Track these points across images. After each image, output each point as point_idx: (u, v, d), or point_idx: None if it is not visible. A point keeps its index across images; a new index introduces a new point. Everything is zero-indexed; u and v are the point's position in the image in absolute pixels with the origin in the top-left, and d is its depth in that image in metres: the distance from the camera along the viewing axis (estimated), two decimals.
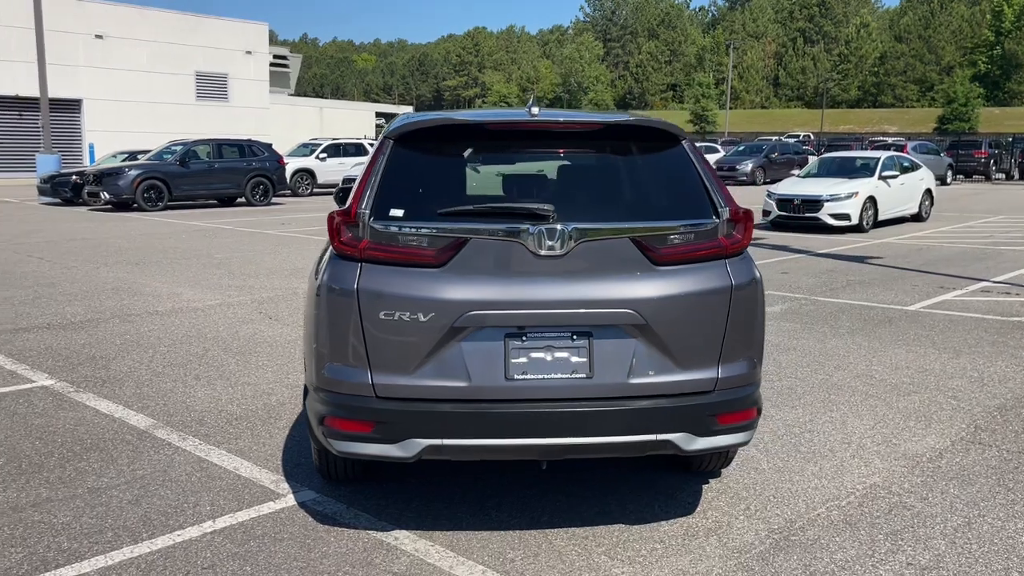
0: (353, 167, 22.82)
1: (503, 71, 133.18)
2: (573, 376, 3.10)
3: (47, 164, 24.01)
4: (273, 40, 53.55)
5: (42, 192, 22.30)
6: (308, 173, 25.76)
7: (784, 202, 15.95)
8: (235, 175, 21.45)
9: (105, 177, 19.92)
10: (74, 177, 21.41)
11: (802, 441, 4.56)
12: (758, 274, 3.40)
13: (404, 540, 3.39)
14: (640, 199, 3.41)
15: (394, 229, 3.12)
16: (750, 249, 3.46)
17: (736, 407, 3.28)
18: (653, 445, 3.18)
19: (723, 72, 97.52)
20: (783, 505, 3.74)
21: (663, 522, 3.56)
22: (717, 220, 3.28)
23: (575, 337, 3.12)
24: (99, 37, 34.89)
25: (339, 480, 3.86)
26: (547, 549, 3.33)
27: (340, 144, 27.49)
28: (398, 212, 3.14)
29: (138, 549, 3.29)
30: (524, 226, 3.09)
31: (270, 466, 4.15)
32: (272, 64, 43.52)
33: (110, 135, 33.17)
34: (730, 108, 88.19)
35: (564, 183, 3.54)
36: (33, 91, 27.63)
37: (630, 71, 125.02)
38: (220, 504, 3.70)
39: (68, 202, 21.51)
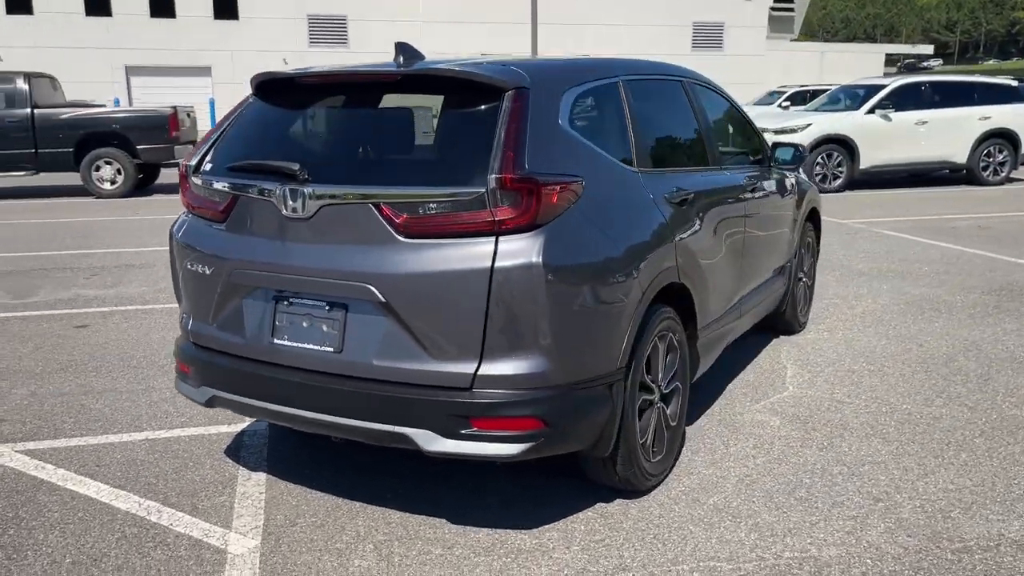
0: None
1: None
2: (323, 348, 2.91)
3: None
4: None
5: None
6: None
7: None
8: None
9: None
10: None
11: None
12: (555, 257, 2.72)
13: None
14: (412, 160, 2.95)
15: (198, 183, 3.23)
16: None
17: (499, 412, 2.72)
18: (391, 437, 2.83)
19: None
20: None
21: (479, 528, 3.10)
22: (482, 189, 2.70)
23: (329, 308, 2.91)
24: None
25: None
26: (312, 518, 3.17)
27: (810, 91, 25.81)
28: (208, 166, 3.24)
29: None
30: (274, 185, 2.94)
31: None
32: (773, 8, 42.20)
33: None
34: None
35: (355, 140, 3.15)
36: (546, 50, 31.22)
37: None
38: None
39: None
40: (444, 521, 3.19)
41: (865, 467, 3.62)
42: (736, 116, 4.79)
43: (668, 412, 3.53)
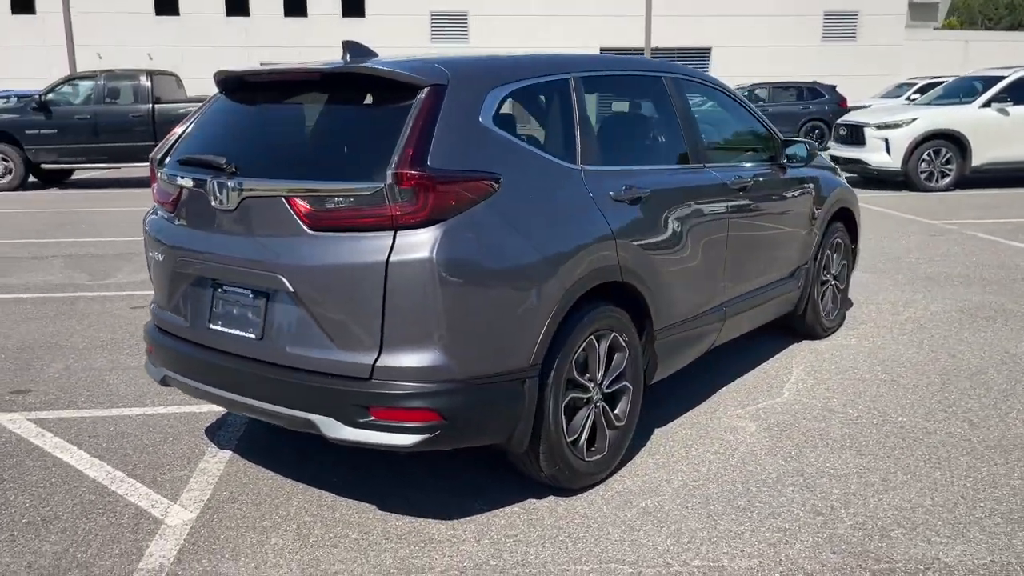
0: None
1: None
2: (247, 335, 3.07)
3: None
4: None
5: None
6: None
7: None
8: (788, 119, 21.03)
9: None
10: None
11: None
12: (450, 253, 2.76)
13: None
14: (325, 155, 3.01)
15: (160, 175, 3.45)
16: None
17: (396, 403, 2.80)
18: (300, 423, 2.95)
19: None
20: None
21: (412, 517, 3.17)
22: (382, 185, 2.77)
23: (253, 296, 3.06)
24: None
25: None
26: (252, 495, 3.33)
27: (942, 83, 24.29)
28: (168, 160, 3.45)
29: None
30: (207, 178, 3.11)
31: None
32: None
33: (734, 81, 34.86)
34: None
35: (279, 136, 3.23)
36: (672, 42, 30.87)
37: None
38: None
39: None
40: (374, 508, 3.29)
41: (823, 479, 3.47)
42: (739, 114, 4.65)
43: (616, 411, 3.50)
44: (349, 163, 2.89)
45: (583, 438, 3.33)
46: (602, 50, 37.31)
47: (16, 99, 14.76)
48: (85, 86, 14.65)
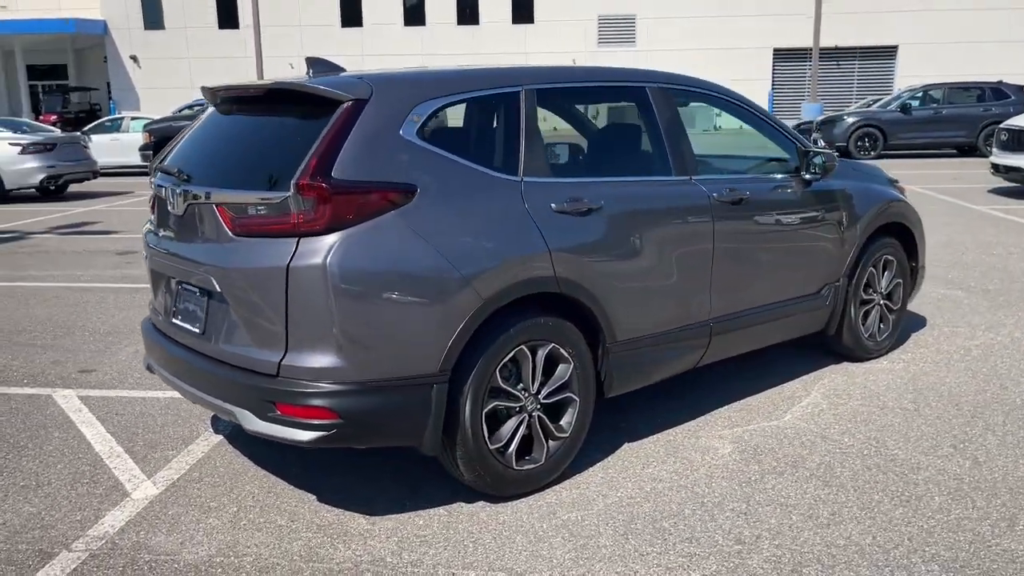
0: None
1: None
2: (194, 328, 3.37)
3: (809, 112, 25.58)
4: None
5: None
6: None
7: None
8: (966, 123, 19.44)
9: (824, 124, 20.56)
10: (804, 124, 22.55)
11: None
12: (347, 260, 2.90)
13: None
14: (252, 166, 3.19)
15: (149, 182, 3.83)
16: None
17: (297, 400, 2.98)
18: (227, 413, 3.20)
19: None
20: None
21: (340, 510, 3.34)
22: (287, 195, 2.95)
23: (199, 294, 3.35)
24: None
25: None
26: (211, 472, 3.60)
27: None
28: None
29: None
30: (167, 185, 3.43)
31: None
32: None
33: (923, 81, 32.54)
34: None
35: (223, 147, 3.41)
36: (852, 40, 29.31)
37: None
38: None
39: None
40: (313, 499, 3.49)
41: (767, 508, 3.32)
42: (755, 124, 4.47)
43: (561, 422, 3.51)
44: (268, 174, 3.09)
45: (512, 447, 3.36)
46: (775, 51, 35.95)
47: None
48: None
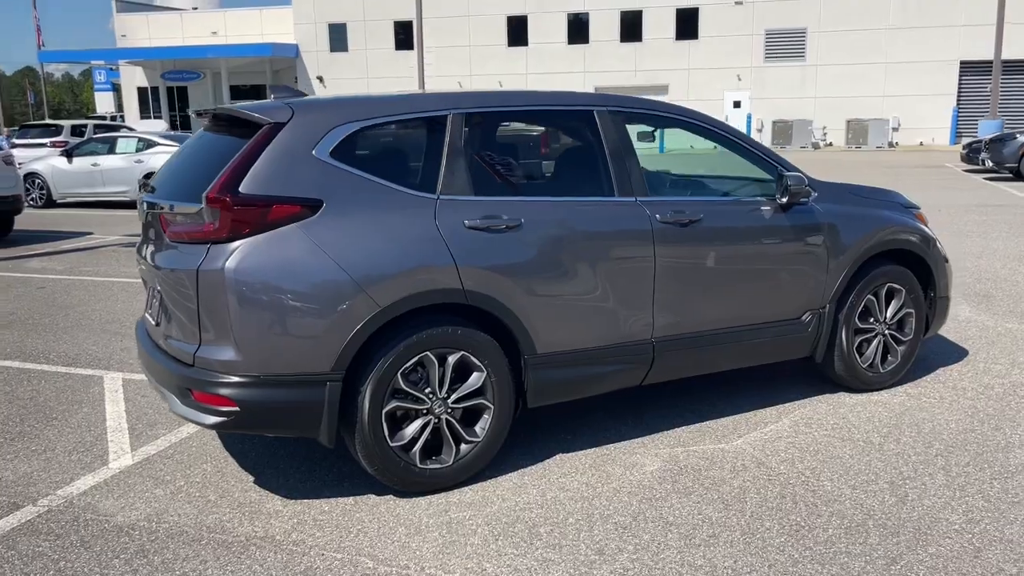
0: None
1: None
2: (153, 321, 3.86)
3: (987, 130, 23.73)
4: None
5: (962, 158, 22.37)
6: None
7: None
8: None
9: (993, 143, 19.12)
10: (975, 143, 20.95)
11: None
12: (244, 266, 3.27)
13: None
14: (190, 181, 3.58)
15: None
16: None
17: (205, 388, 3.39)
18: (164, 397, 3.66)
19: None
20: None
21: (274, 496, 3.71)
22: (201, 206, 3.36)
23: (155, 292, 3.84)
24: None
25: None
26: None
27: None
28: None
29: None
30: (143, 196, 3.94)
31: None
32: None
33: None
34: None
35: (185, 163, 3.79)
36: None
37: None
38: None
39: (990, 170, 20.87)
40: (251, 480, 3.88)
41: (649, 525, 3.37)
42: (726, 147, 4.47)
43: (475, 428, 3.71)
44: (197, 188, 3.52)
45: (417, 447, 3.60)
46: (963, 64, 33.51)
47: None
48: None
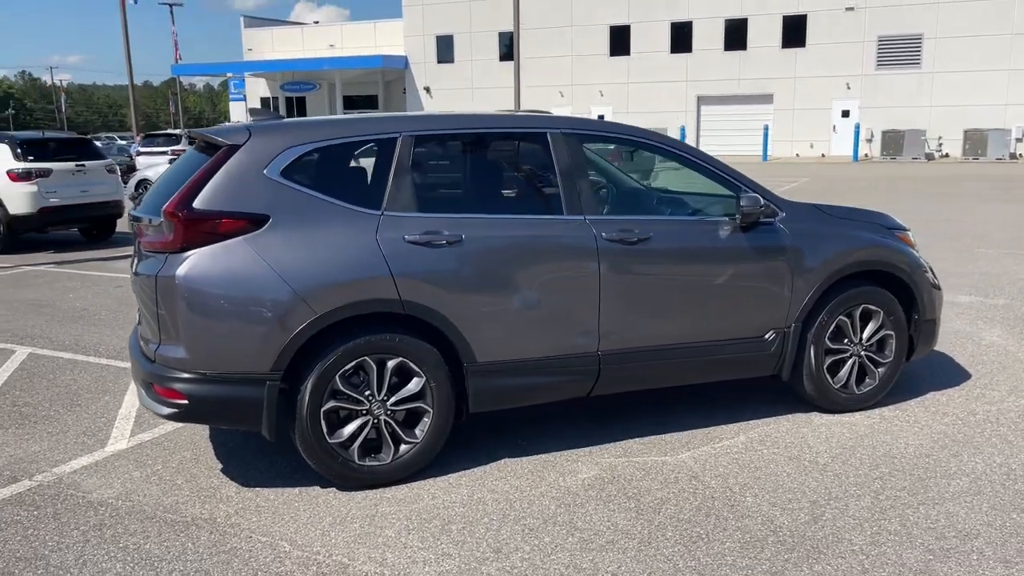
0: None
1: None
2: (137, 322, 4.31)
3: None
4: None
5: None
6: None
7: None
8: None
9: None
10: None
11: None
12: (191, 274, 3.64)
13: None
14: (166, 194, 3.92)
15: None
16: None
17: (162, 383, 3.79)
18: (138, 390, 4.09)
19: None
20: None
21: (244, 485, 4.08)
22: (161, 219, 3.76)
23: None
24: None
25: None
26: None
27: None
28: None
29: None
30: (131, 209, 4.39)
31: None
32: None
33: None
34: None
35: (167, 179, 4.14)
36: None
37: None
38: None
39: None
40: (219, 468, 4.27)
41: (552, 527, 3.55)
42: (691, 166, 4.58)
43: (415, 430, 3.98)
44: (165, 201, 3.92)
45: (355, 444, 3.89)
46: None
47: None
48: None
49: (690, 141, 37.92)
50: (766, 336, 4.60)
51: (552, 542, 3.43)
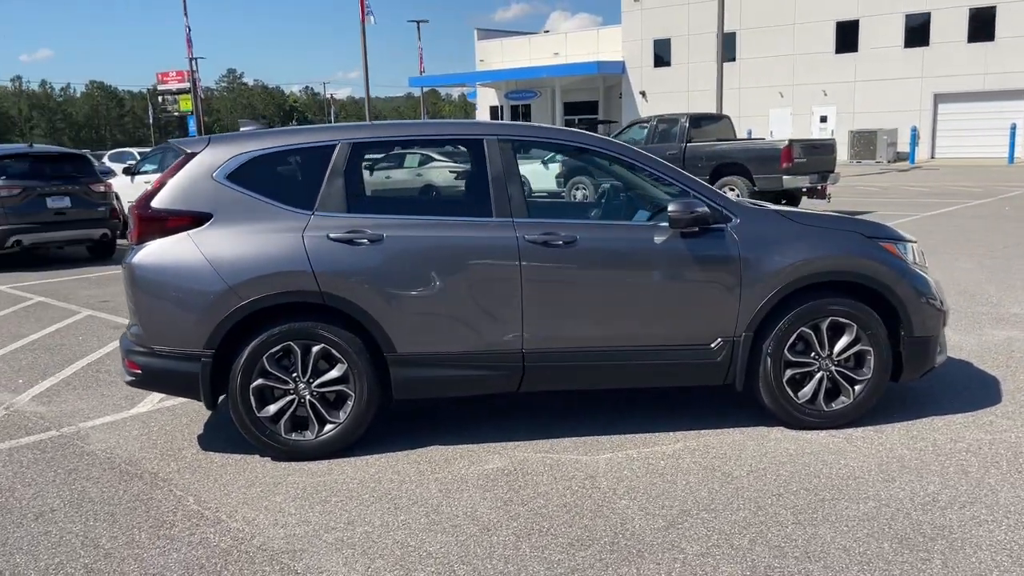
0: None
1: None
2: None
3: None
4: None
5: None
6: None
7: None
8: None
9: None
10: None
11: None
12: (142, 262, 4.27)
13: None
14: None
15: None
16: None
17: (128, 356, 4.47)
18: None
19: None
20: None
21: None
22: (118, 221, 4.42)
23: None
24: None
25: None
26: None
27: None
28: None
29: None
30: None
31: None
32: None
33: None
34: None
35: None
36: None
37: None
38: None
39: None
40: (199, 434, 4.90)
41: (413, 508, 3.79)
42: (624, 173, 4.60)
43: (338, 412, 4.37)
44: None
45: (282, 421, 4.34)
46: None
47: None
48: (639, 128, 17.43)
49: (924, 143, 34.87)
50: (713, 344, 4.48)
51: (404, 521, 3.67)
